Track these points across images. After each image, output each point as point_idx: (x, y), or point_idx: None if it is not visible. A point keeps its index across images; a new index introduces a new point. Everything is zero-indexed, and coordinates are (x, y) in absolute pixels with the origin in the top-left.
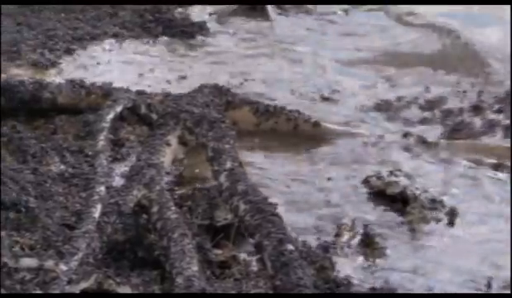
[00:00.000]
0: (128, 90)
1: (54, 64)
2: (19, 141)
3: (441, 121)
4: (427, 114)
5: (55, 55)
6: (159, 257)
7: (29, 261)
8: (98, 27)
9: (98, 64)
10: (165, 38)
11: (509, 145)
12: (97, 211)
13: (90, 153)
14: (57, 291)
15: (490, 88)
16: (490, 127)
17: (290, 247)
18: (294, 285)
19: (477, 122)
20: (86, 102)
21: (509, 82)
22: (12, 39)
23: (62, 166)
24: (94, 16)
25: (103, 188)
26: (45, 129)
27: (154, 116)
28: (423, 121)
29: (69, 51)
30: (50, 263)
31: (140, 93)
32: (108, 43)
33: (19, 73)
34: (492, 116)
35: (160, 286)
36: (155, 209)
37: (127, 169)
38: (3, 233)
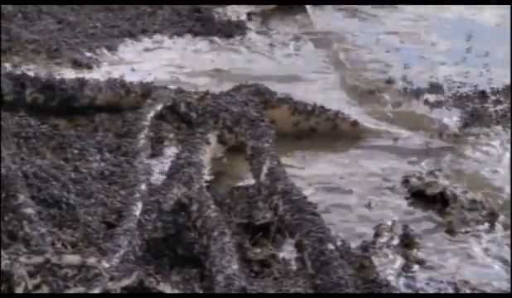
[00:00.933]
0: (167, 89)
1: (93, 63)
2: (60, 138)
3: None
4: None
5: (95, 54)
6: (199, 255)
7: (72, 258)
8: (137, 26)
9: (137, 62)
10: (203, 37)
11: None
12: (138, 209)
13: (130, 151)
14: (99, 288)
15: None
16: None
17: (330, 246)
18: (335, 285)
19: None
20: (126, 100)
21: None
22: (52, 37)
23: (102, 164)
24: (133, 14)
25: (143, 186)
26: (85, 127)
27: (193, 114)
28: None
29: (108, 50)
30: (92, 260)
31: (179, 91)
32: (147, 41)
33: (59, 71)
34: None
35: (199, 284)
36: (195, 207)
37: (166, 167)
38: (45, 230)
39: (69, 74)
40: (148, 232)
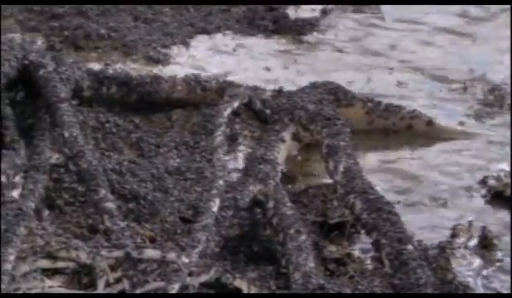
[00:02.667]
0: (242, 86)
1: (169, 60)
2: (137, 134)
3: None
4: None
5: (171, 50)
6: (274, 253)
7: (152, 253)
8: (211, 23)
9: (211, 59)
10: (277, 34)
11: None
12: (216, 205)
13: (207, 148)
14: (178, 283)
15: None
16: None
17: (409, 246)
18: (413, 285)
19: None
20: (201, 97)
21: None
22: (129, 34)
23: (178, 160)
24: (208, 11)
25: (221, 182)
26: (161, 123)
27: (268, 112)
28: None
29: (184, 46)
30: (172, 255)
31: (254, 88)
32: (222, 39)
33: (135, 67)
34: None
35: (275, 281)
36: (271, 204)
37: (240, 164)
38: (125, 224)
39: (145, 70)
40: (225, 228)
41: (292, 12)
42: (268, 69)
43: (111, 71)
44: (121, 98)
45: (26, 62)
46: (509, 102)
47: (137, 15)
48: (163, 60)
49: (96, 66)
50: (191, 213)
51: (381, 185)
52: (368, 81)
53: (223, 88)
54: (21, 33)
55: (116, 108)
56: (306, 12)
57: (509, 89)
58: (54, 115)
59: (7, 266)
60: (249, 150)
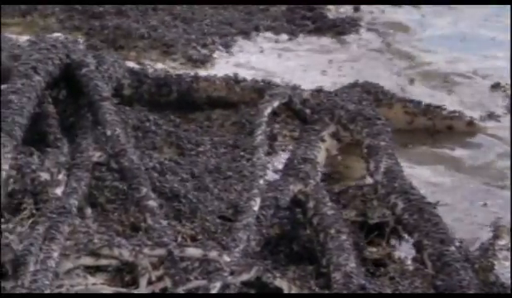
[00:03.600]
0: (281, 85)
1: (208, 59)
2: (176, 133)
3: None
4: None
5: (210, 50)
6: (314, 252)
7: (194, 251)
8: (250, 22)
9: (250, 58)
10: (316, 34)
11: None
12: (256, 204)
13: (248, 147)
14: (220, 282)
15: None
16: None
17: (452, 247)
18: (456, 286)
19: None
20: (240, 96)
21: None
22: (168, 33)
23: (218, 159)
24: (247, 11)
25: (262, 182)
26: (200, 122)
27: (308, 111)
28: None
29: (223, 46)
30: (214, 254)
31: (293, 88)
32: (261, 38)
33: (174, 66)
34: None
35: (315, 281)
36: (311, 204)
37: (279, 163)
38: (166, 223)
39: (184, 69)
40: (266, 227)
41: (331, 11)
42: (307, 68)
43: (151, 70)
44: (161, 97)
45: (69, 61)
46: None
47: (176, 14)
48: (202, 60)
49: (136, 65)
50: (231, 212)
51: (418, 184)
52: (411, 82)
53: (262, 88)
54: (63, 32)
55: (156, 107)
56: (346, 11)
57: None
58: (96, 113)
59: (51, 263)
60: (289, 149)
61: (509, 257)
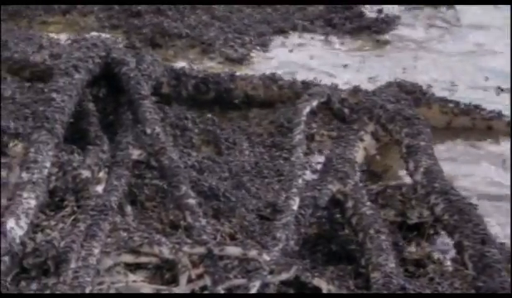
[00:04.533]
0: (320, 84)
1: (246, 58)
2: (214, 132)
3: None
4: None
5: (247, 49)
6: (353, 252)
7: (233, 250)
8: (288, 21)
9: (288, 58)
10: (353, 33)
11: None
12: (295, 204)
13: (286, 146)
14: (259, 281)
15: None
16: None
17: (493, 248)
18: (498, 287)
19: None
20: (278, 95)
21: None
22: (206, 32)
23: (255, 158)
24: (285, 10)
25: (300, 181)
26: (238, 121)
27: (346, 111)
28: None
29: (260, 45)
30: (253, 253)
31: (332, 87)
32: (298, 37)
33: (212, 65)
34: None
35: (354, 281)
36: (350, 203)
37: (316, 162)
38: (205, 221)
39: (222, 68)
40: (304, 227)
41: (369, 10)
42: (345, 67)
43: (189, 69)
44: (198, 95)
45: (109, 59)
46: None
47: (214, 14)
48: (240, 59)
49: (174, 64)
50: (269, 211)
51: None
52: (451, 83)
53: (300, 87)
54: (102, 31)
55: (194, 106)
56: (384, 10)
57: None
58: (136, 112)
59: (92, 261)
60: (327, 149)
61: None
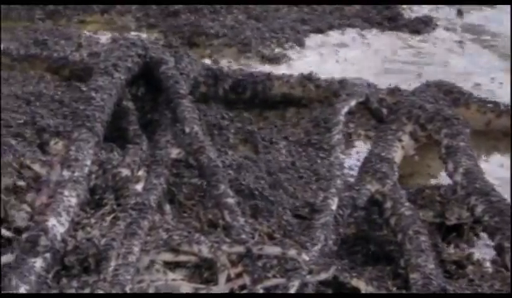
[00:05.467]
0: (357, 84)
1: (283, 57)
2: (251, 131)
3: None
4: None
5: (284, 48)
6: (391, 253)
7: (272, 249)
8: (325, 21)
9: (325, 57)
10: (392, 32)
11: None
12: (334, 204)
13: (321, 145)
14: (298, 281)
15: None
16: None
17: None
18: None
19: None
20: (315, 95)
21: None
22: (242, 31)
23: (292, 157)
24: (321, 10)
25: (339, 181)
26: (275, 121)
27: (384, 111)
28: None
29: (297, 44)
30: (293, 252)
31: (370, 87)
32: (335, 37)
33: (249, 64)
34: None
35: (392, 282)
36: (388, 204)
37: (354, 162)
38: (243, 220)
39: (258, 68)
40: (343, 227)
41: (406, 9)
42: (381, 67)
43: (226, 68)
44: (235, 95)
45: (147, 59)
46: None
47: (251, 13)
48: (277, 58)
49: (211, 63)
50: (307, 211)
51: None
52: (492, 80)
53: (337, 87)
54: (139, 30)
55: (230, 105)
56: (421, 10)
57: None
58: (175, 111)
59: (132, 259)
60: (364, 148)
61: None
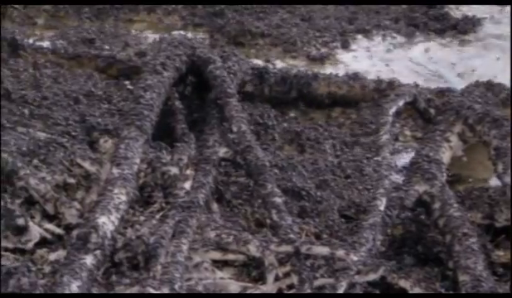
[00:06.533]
0: (403, 84)
1: (328, 57)
2: (297, 131)
3: None
4: None
5: (330, 48)
6: (440, 254)
7: (321, 249)
8: (370, 20)
9: (371, 57)
10: (438, 33)
11: None
12: (382, 204)
13: (368, 145)
14: (346, 281)
15: None
16: None
17: None
18: None
19: None
20: (361, 95)
21: None
22: (287, 31)
23: (338, 158)
24: (367, 10)
25: (387, 181)
26: (320, 120)
27: (432, 111)
28: None
29: (342, 44)
30: (341, 252)
31: (417, 87)
32: (381, 37)
33: (294, 64)
34: None
35: (441, 284)
36: (437, 205)
37: (400, 163)
38: (291, 219)
39: (304, 67)
40: (390, 227)
41: (453, 10)
42: (427, 67)
43: (271, 68)
44: (281, 94)
45: (195, 58)
46: None
47: (296, 12)
48: (323, 57)
49: (257, 62)
50: (353, 211)
51: None
52: None
53: (383, 87)
54: (185, 29)
55: (276, 105)
56: (469, 10)
57: None
58: (222, 110)
59: (181, 257)
60: (411, 149)
61: None
